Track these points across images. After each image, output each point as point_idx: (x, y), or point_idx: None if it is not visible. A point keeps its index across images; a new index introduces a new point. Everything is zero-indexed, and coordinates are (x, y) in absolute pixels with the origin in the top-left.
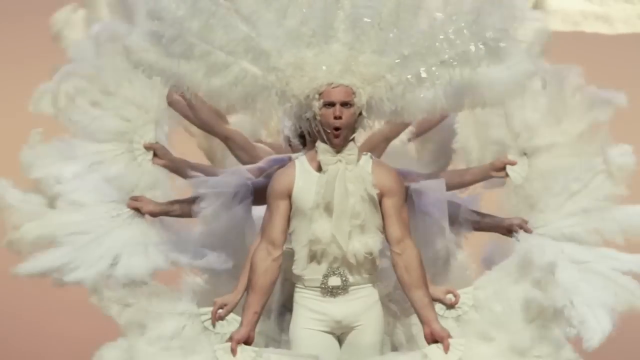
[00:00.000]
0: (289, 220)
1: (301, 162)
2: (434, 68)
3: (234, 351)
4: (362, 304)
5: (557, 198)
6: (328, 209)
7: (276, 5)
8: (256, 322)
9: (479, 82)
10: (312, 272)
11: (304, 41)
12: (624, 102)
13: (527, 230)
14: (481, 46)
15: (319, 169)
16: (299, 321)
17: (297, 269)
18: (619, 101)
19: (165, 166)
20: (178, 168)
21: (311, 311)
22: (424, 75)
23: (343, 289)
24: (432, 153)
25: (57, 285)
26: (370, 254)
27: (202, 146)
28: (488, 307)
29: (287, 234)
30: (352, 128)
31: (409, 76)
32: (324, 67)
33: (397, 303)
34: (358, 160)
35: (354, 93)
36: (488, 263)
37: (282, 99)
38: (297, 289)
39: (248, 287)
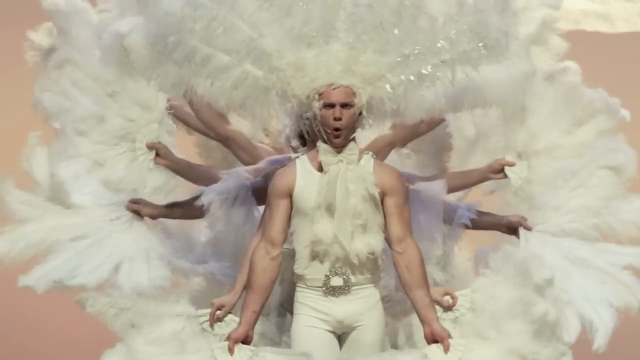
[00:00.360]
0: (289, 219)
1: (302, 162)
2: (435, 68)
3: (231, 350)
4: (364, 304)
5: (556, 195)
6: (330, 210)
7: (278, 6)
8: (255, 321)
9: (480, 82)
10: (314, 272)
11: (305, 41)
12: (627, 117)
13: (527, 228)
14: (482, 46)
15: (320, 168)
16: (301, 320)
17: (299, 269)
18: (624, 115)
19: (166, 166)
20: (180, 169)
21: (313, 310)
22: (425, 74)
23: (345, 289)
24: (426, 158)
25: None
26: (373, 253)
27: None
28: (485, 310)
29: (286, 233)
30: (353, 128)
31: (410, 76)
32: (324, 68)
33: (398, 304)
34: (359, 159)
35: (354, 93)
36: (484, 263)
37: (283, 99)
38: (298, 289)
39: (247, 287)
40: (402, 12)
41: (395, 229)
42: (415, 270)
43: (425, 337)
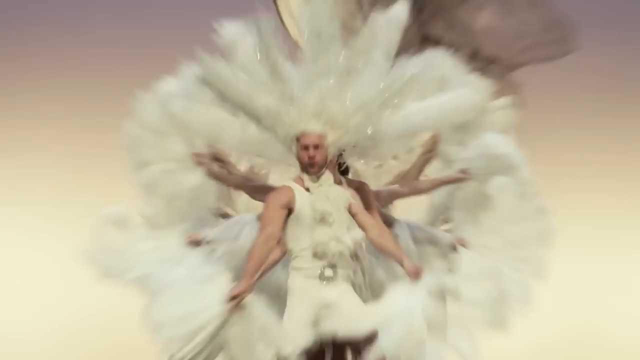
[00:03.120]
0: (283, 225)
1: (294, 186)
2: (393, 108)
3: (232, 300)
4: (345, 286)
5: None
6: (322, 219)
7: (269, 69)
8: (252, 286)
9: (436, 112)
10: (314, 266)
11: (287, 99)
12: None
13: (464, 246)
14: (433, 84)
15: (307, 189)
16: (295, 312)
17: (300, 264)
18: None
19: (217, 174)
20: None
21: (309, 299)
22: (384, 116)
23: (334, 278)
24: None
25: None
26: (358, 242)
27: None
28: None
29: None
30: (326, 161)
31: (370, 119)
32: (300, 119)
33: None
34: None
35: (324, 137)
36: None
37: (276, 140)
38: (298, 279)
39: (249, 259)
40: (357, 67)
41: (366, 220)
42: (385, 234)
43: (407, 272)
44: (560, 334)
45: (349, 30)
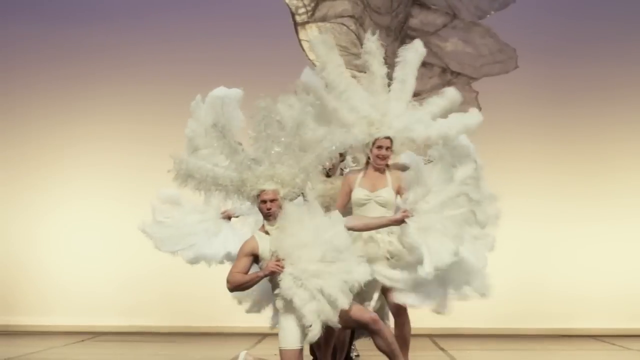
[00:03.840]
0: (248, 269)
1: (258, 234)
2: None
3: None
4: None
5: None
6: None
7: (232, 149)
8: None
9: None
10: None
11: (246, 168)
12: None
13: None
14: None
15: (267, 232)
16: (286, 322)
17: (276, 290)
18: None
19: None
20: None
21: (291, 308)
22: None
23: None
24: None
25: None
26: None
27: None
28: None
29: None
30: (279, 210)
31: (303, 176)
32: (258, 181)
33: None
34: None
35: (278, 192)
36: None
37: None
38: (278, 302)
39: (246, 280)
40: (293, 147)
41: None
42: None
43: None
44: (512, 284)
45: (351, 56)
